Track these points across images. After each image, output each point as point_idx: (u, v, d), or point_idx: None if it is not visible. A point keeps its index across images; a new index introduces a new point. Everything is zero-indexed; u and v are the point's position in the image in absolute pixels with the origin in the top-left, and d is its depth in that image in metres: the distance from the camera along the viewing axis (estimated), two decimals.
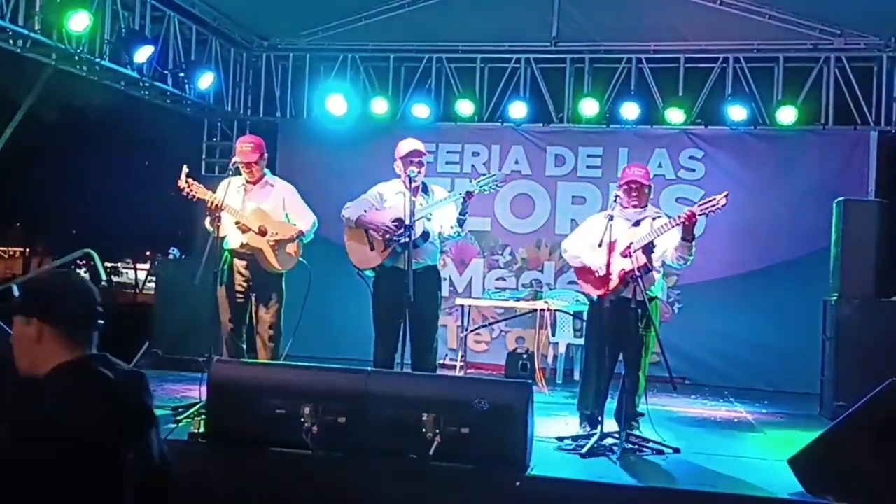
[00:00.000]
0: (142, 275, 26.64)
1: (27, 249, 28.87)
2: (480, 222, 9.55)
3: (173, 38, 8.98)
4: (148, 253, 25.65)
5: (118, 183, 17.62)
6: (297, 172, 8.32)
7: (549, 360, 8.91)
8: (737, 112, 9.20)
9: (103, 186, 18.04)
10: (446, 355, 9.02)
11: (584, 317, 6.35)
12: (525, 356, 8.41)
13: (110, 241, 19.68)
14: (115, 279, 28.88)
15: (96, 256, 7.27)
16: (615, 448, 5.05)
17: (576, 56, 9.83)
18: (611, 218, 5.31)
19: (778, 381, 8.86)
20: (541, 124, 9.89)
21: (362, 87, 10.24)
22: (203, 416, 4.86)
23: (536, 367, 8.17)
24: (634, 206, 5.49)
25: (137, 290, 24.85)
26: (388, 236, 5.69)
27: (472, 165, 9.84)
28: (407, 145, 5.86)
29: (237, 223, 5.88)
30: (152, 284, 13.11)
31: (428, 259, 5.83)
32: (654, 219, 5.54)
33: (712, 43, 9.46)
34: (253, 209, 5.95)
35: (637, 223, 5.45)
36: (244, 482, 4.47)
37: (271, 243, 5.89)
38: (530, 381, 5.12)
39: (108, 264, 26.84)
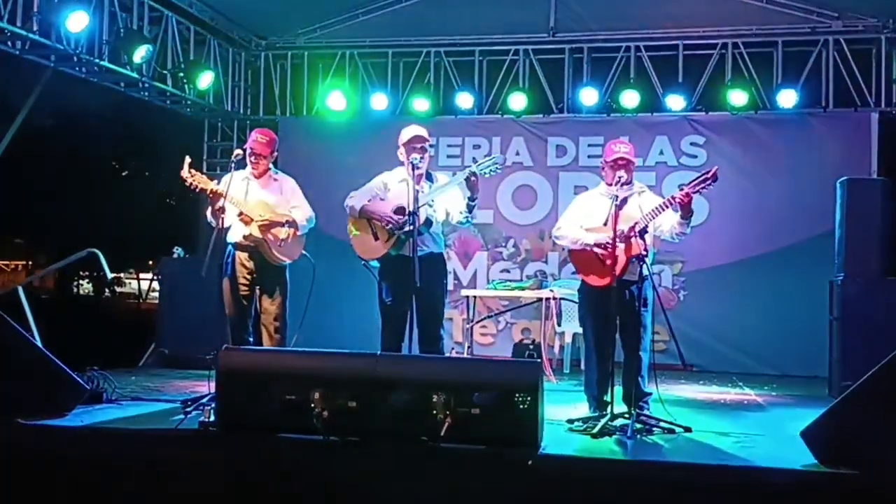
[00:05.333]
0: (144, 284, 26.67)
1: (30, 262, 28.83)
2: (483, 214, 9.48)
3: (171, 39, 9.00)
4: (150, 262, 25.61)
5: (119, 190, 17.63)
6: (298, 170, 8.24)
7: (556, 350, 8.88)
8: (737, 97, 9.22)
9: (104, 194, 18.04)
10: (453, 348, 8.99)
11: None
12: (532, 346, 8.41)
13: (112, 250, 19.62)
14: (118, 289, 28.88)
15: (101, 255, 7.34)
16: (626, 428, 5.03)
17: (574, 46, 9.85)
18: (616, 198, 5.29)
19: (786, 366, 8.86)
20: (541, 115, 9.90)
21: (361, 84, 10.25)
22: (213, 406, 4.84)
23: (543, 357, 8.14)
24: (621, 184, 5.46)
25: (141, 300, 24.86)
26: (391, 227, 5.68)
27: (473, 158, 9.72)
28: (409, 131, 5.85)
29: (240, 214, 5.88)
30: (155, 294, 13.11)
31: (432, 246, 5.82)
32: (639, 194, 5.54)
33: (710, 29, 9.49)
34: (256, 201, 5.95)
35: (624, 201, 5.42)
36: (255, 469, 4.45)
37: (262, 226, 5.88)
38: (539, 360, 5.09)
39: (111, 275, 26.77)
